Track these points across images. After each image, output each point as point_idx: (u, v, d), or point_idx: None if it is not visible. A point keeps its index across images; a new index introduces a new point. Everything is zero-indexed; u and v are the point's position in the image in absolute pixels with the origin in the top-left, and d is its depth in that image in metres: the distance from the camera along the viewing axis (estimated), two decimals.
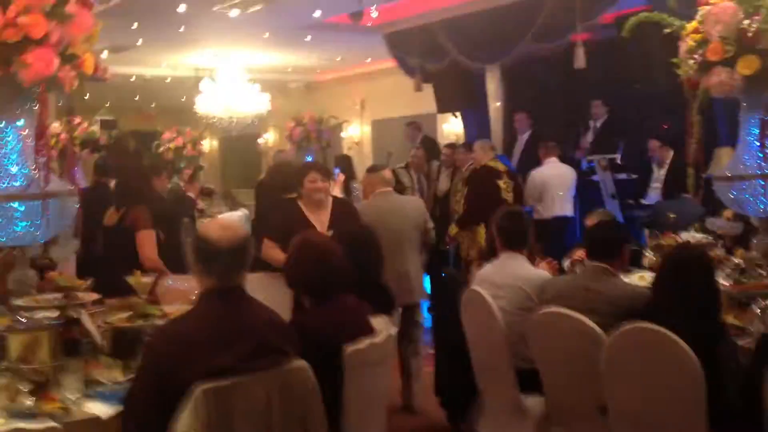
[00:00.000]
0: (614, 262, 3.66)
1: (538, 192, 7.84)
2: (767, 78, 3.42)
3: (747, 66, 3.37)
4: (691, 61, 3.57)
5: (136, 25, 8.67)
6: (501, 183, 6.97)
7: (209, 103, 10.62)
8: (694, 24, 3.63)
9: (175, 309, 3.33)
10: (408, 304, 5.24)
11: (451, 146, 9.43)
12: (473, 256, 6.68)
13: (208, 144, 14.87)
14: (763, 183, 3.56)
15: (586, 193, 8.44)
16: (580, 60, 7.22)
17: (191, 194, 8.41)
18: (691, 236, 4.74)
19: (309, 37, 9.82)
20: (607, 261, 3.63)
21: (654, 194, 7.77)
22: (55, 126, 9.24)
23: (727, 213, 4.49)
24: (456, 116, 10.37)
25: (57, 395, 2.74)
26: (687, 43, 3.62)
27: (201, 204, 9.04)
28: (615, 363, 3.08)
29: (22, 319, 3.08)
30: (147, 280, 3.65)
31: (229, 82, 10.61)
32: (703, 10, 3.59)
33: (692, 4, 3.73)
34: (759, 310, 3.48)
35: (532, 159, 8.23)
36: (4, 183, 3.11)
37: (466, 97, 9.28)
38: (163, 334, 2.66)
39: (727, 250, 4.44)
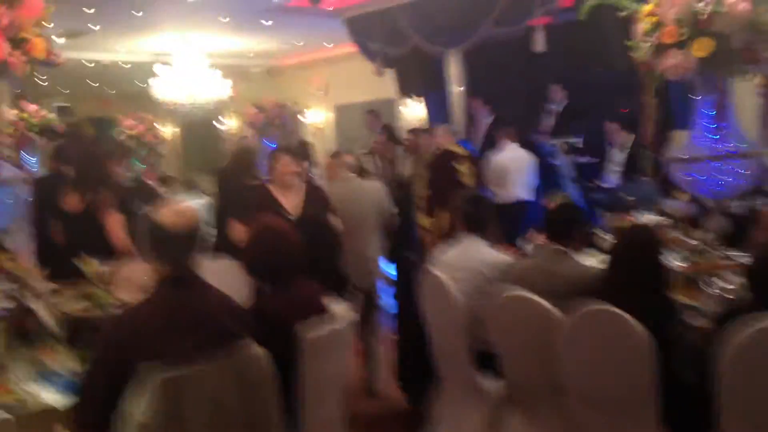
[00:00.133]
0: (572, 244, 3.69)
1: (498, 176, 7.87)
2: (721, 60, 3.46)
3: (701, 48, 3.40)
4: (647, 44, 3.60)
5: (92, 10, 8.51)
6: (462, 167, 6.99)
7: (169, 89, 10.47)
8: (649, 7, 3.65)
9: (132, 298, 3.29)
10: (367, 288, 5.26)
11: (413, 131, 9.43)
12: (433, 239, 6.70)
13: (169, 130, 14.71)
14: (716, 164, 3.62)
15: (546, 177, 8.49)
16: (539, 44, 7.25)
17: (150, 182, 8.30)
18: (649, 218, 4.79)
19: (269, 22, 9.72)
20: (565, 243, 3.66)
21: (613, 177, 7.85)
22: (12, 113, 9.07)
23: (683, 195, 4.54)
24: (416, 99, 10.35)
25: (10, 385, 2.70)
26: (642, 25, 3.64)
27: (163, 191, 8.94)
28: (571, 343, 3.11)
29: None
30: (100, 267, 3.60)
31: (188, 67, 10.46)
32: None
33: None
34: (712, 290, 3.54)
35: (493, 143, 8.25)
36: None
37: (428, 82, 9.27)
38: (116, 323, 2.62)
39: (682, 232, 4.49)
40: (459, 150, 7.19)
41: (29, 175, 3.82)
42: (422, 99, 10.12)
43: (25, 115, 9.36)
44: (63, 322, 3.22)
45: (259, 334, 2.75)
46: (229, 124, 14.53)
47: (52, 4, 3.20)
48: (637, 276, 3.12)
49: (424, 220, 7.07)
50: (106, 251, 4.27)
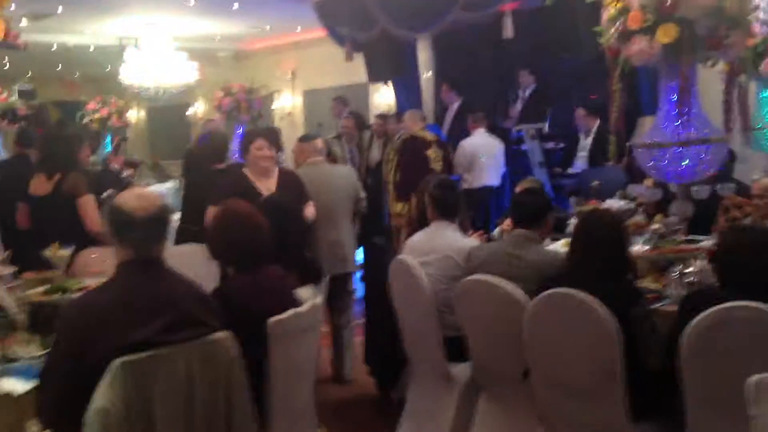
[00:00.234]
0: (538, 229, 3.71)
1: (468, 161, 7.90)
2: (685, 47, 3.48)
3: (665, 34, 3.43)
4: (613, 30, 3.61)
5: None
6: (430, 153, 6.99)
7: (135, 73, 10.34)
8: None
9: (94, 282, 3.25)
10: (340, 274, 5.25)
11: (382, 116, 9.42)
12: (402, 224, 6.70)
13: (135, 114, 14.54)
14: (680, 150, 3.65)
15: (515, 163, 8.54)
16: (508, 29, 7.26)
17: (116, 166, 8.21)
18: (615, 203, 4.83)
19: (236, 5, 9.62)
20: (531, 228, 3.68)
21: (581, 163, 7.90)
22: None
23: (648, 180, 4.58)
24: (387, 84, 10.32)
25: None
26: (608, 11, 3.66)
27: (129, 175, 8.85)
28: (535, 328, 3.13)
29: None
30: (64, 252, 3.55)
31: (155, 51, 10.34)
32: None
33: None
34: (676, 274, 3.58)
35: (461, 128, 8.26)
36: None
37: (397, 67, 9.25)
38: (77, 307, 2.58)
39: (647, 216, 4.53)
40: (427, 135, 7.18)
41: None
42: (391, 84, 10.09)
43: None
44: (24, 307, 3.18)
45: (224, 320, 2.73)
46: (197, 108, 14.40)
47: None
48: (598, 260, 3.14)
49: (392, 205, 7.06)
50: (76, 235, 4.20)
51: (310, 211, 4.83)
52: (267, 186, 4.71)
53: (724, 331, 2.67)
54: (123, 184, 6.93)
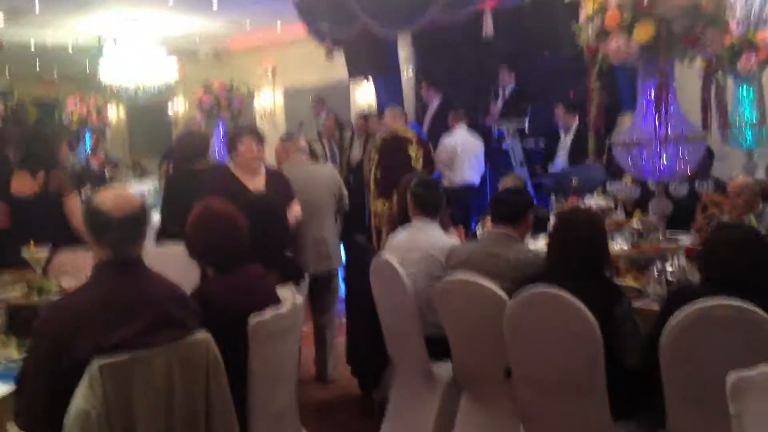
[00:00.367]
0: (518, 228, 3.72)
1: (449, 158, 7.91)
2: (662, 45, 3.50)
3: (643, 33, 3.45)
4: (591, 28, 3.63)
5: None
6: (411, 150, 7.01)
7: (114, 71, 10.26)
8: None
9: (72, 284, 3.23)
10: (324, 272, 5.24)
11: (363, 115, 9.43)
12: (383, 222, 6.71)
13: (115, 113, 14.43)
14: (658, 148, 3.67)
15: (495, 161, 8.56)
16: (488, 28, 7.24)
17: (95, 164, 8.15)
18: (594, 201, 4.86)
19: (215, 3, 9.57)
20: (511, 226, 3.69)
21: (561, 160, 7.93)
22: None
23: (627, 178, 4.61)
24: (368, 80, 10.31)
25: None
26: (586, 10, 3.67)
27: (108, 175, 8.80)
28: (516, 327, 3.13)
29: None
30: (41, 253, 3.52)
31: (134, 49, 10.26)
32: None
33: None
34: (656, 272, 3.60)
35: (441, 126, 8.27)
36: None
37: (378, 65, 9.24)
38: (55, 309, 2.56)
39: (627, 214, 4.56)
40: (408, 133, 7.19)
41: None
42: (372, 82, 10.08)
43: None
44: (1, 310, 3.15)
45: (204, 320, 2.71)
46: (177, 106, 14.32)
47: None
48: (577, 258, 3.15)
49: (373, 203, 7.06)
50: (62, 234, 4.16)
51: (296, 211, 4.82)
52: (255, 185, 4.70)
53: (703, 328, 2.69)
54: (104, 183, 6.89)
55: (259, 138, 4.82)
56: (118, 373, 2.39)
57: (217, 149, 9.90)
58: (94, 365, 2.34)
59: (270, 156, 5.39)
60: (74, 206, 4.48)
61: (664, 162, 3.77)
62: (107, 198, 2.59)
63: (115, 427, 2.39)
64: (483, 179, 8.37)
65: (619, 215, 4.49)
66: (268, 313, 2.92)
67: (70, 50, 11.67)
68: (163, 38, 10.87)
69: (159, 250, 4.53)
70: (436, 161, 7.64)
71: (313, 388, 5.19)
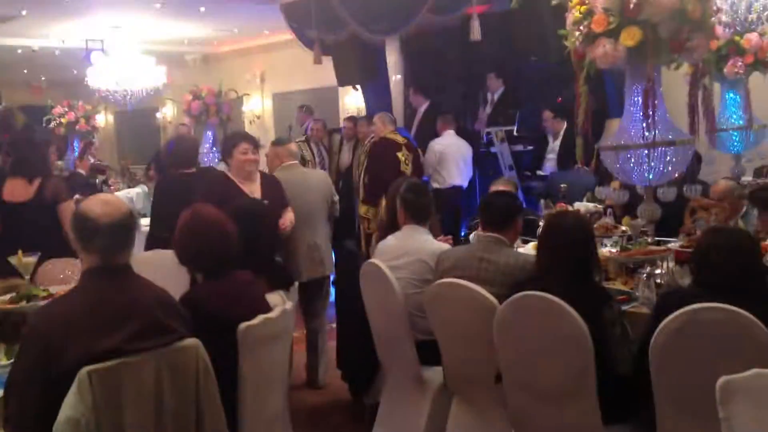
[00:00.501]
0: (508, 233, 3.72)
1: (437, 161, 7.92)
2: (649, 49, 3.52)
3: (629, 37, 3.46)
4: (578, 33, 3.64)
5: None
6: (400, 155, 7.02)
7: (102, 77, 10.22)
8: None
9: (60, 289, 3.21)
10: (317, 277, 5.23)
11: (352, 119, 9.43)
12: (374, 228, 6.70)
13: (103, 119, 14.38)
14: (646, 152, 3.68)
15: (485, 165, 8.58)
16: (476, 32, 7.27)
17: (81, 171, 8.11)
18: (583, 206, 4.87)
19: (203, 8, 9.57)
20: (500, 231, 3.69)
21: (549, 165, 7.94)
22: None
23: (614, 183, 4.63)
24: (356, 89, 10.32)
25: None
26: (573, 14, 3.68)
27: (98, 181, 8.76)
28: (506, 331, 3.14)
29: None
30: (30, 260, 3.50)
31: (122, 54, 10.23)
32: None
33: None
34: (645, 276, 3.61)
35: (429, 131, 8.28)
36: None
37: (366, 70, 9.24)
38: (43, 315, 2.55)
39: (615, 219, 4.58)
40: (398, 138, 7.21)
41: None
42: (360, 87, 10.09)
43: None
44: None
45: (194, 326, 2.71)
46: (166, 112, 14.28)
47: None
48: (565, 262, 3.15)
49: (361, 208, 7.07)
50: (54, 241, 4.14)
51: (289, 217, 4.81)
52: (251, 189, 4.70)
53: (692, 332, 2.69)
54: (95, 189, 6.85)
55: (255, 144, 4.83)
56: (107, 379, 2.38)
57: (206, 155, 9.88)
58: (83, 372, 2.33)
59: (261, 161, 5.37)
60: (69, 213, 4.46)
61: (652, 166, 3.77)
62: (95, 204, 2.58)
63: None
64: (472, 184, 8.37)
65: (608, 220, 4.51)
66: (258, 319, 2.92)
67: (57, 55, 11.63)
68: (151, 43, 10.86)
69: (147, 256, 4.52)
70: (425, 165, 7.66)
71: (304, 394, 5.18)
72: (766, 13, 5.66)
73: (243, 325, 2.86)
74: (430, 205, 4.32)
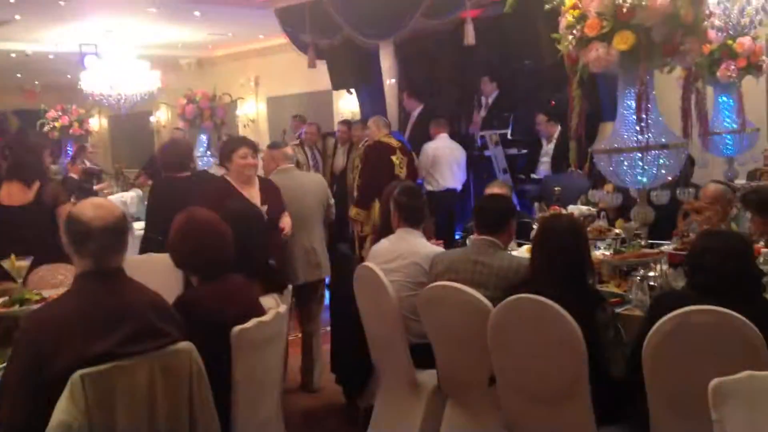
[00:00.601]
0: (501, 236, 3.73)
1: (431, 164, 7.93)
2: (642, 53, 3.53)
3: (622, 41, 3.46)
4: (571, 37, 3.64)
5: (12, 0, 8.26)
6: (395, 159, 7.03)
7: (96, 81, 10.21)
8: (573, 0, 3.70)
9: (53, 293, 3.21)
10: (314, 281, 5.23)
11: (346, 123, 9.44)
12: (368, 231, 6.71)
13: (97, 122, 14.37)
14: (639, 155, 3.69)
15: (479, 168, 8.59)
16: (470, 37, 7.29)
17: (73, 175, 8.10)
18: (577, 209, 4.87)
19: (198, 13, 9.57)
20: (494, 234, 3.70)
21: (543, 168, 7.96)
22: None
23: (608, 186, 4.63)
24: (351, 93, 10.34)
25: None
26: (566, 18, 3.69)
27: (95, 186, 8.75)
28: (500, 334, 3.14)
29: None
30: (22, 263, 3.50)
31: (116, 58, 10.22)
32: None
33: None
34: (638, 279, 3.62)
35: (422, 135, 8.29)
36: None
37: (361, 74, 9.25)
38: (36, 319, 2.54)
39: (609, 222, 4.58)
40: (392, 141, 7.21)
41: None
42: (355, 91, 10.10)
43: None
44: None
45: (187, 329, 2.70)
46: (160, 116, 14.28)
47: None
48: (559, 265, 3.16)
49: (351, 210, 7.07)
50: (50, 244, 4.12)
51: (287, 222, 4.81)
52: (251, 194, 4.71)
53: (685, 335, 2.70)
54: (90, 193, 6.84)
55: (255, 148, 4.84)
56: (99, 383, 2.37)
57: (200, 158, 9.88)
58: (76, 376, 2.33)
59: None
60: None
61: (645, 169, 3.78)
62: (87, 208, 2.57)
63: None
64: (467, 187, 8.38)
65: (602, 223, 4.51)
66: (251, 322, 2.91)
67: (51, 59, 11.62)
68: (146, 47, 10.85)
69: (140, 259, 4.51)
70: (418, 167, 7.67)
71: (299, 397, 5.17)
72: (758, 17, 5.69)
73: (236, 328, 2.85)
74: (424, 208, 4.33)
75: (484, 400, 3.44)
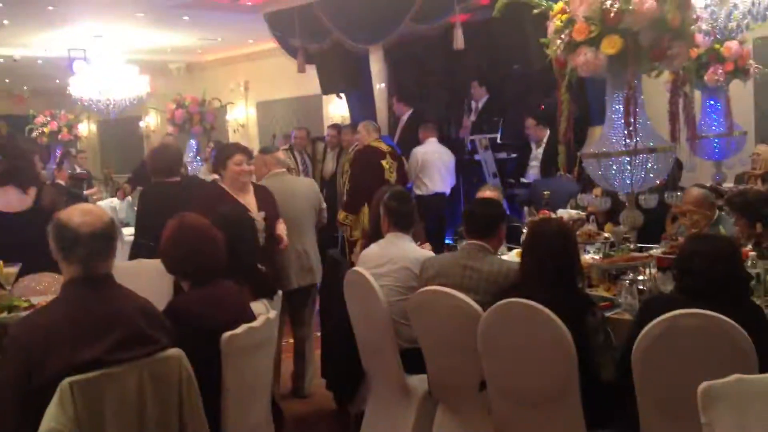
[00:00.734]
0: (491, 240, 3.73)
1: (419, 168, 7.93)
2: (629, 57, 3.54)
3: (610, 45, 3.48)
4: (559, 41, 3.66)
5: (1, 4, 8.22)
6: (385, 163, 7.03)
7: (84, 86, 10.18)
8: (561, 4, 3.72)
9: (42, 300, 3.19)
10: (307, 285, 5.22)
11: (336, 127, 9.45)
12: (357, 236, 6.70)
13: (86, 128, 14.33)
14: (628, 159, 3.71)
15: (469, 172, 8.60)
16: (459, 41, 7.31)
17: (60, 181, 8.06)
18: (566, 213, 4.88)
19: (186, 17, 9.56)
20: (484, 239, 3.70)
21: (533, 172, 7.97)
22: None
23: (597, 190, 4.65)
24: (341, 97, 10.35)
25: None
26: (555, 23, 3.70)
27: (93, 190, 8.72)
28: (490, 339, 3.14)
29: None
30: (11, 270, 3.48)
31: (104, 63, 10.19)
32: None
33: None
34: (627, 283, 3.63)
35: (411, 139, 8.30)
36: None
37: (350, 78, 9.26)
38: (25, 326, 2.53)
39: (598, 226, 4.59)
40: (382, 146, 7.22)
41: None
42: (345, 96, 10.11)
43: None
44: None
45: (177, 335, 2.70)
46: (149, 121, 14.24)
47: None
48: (548, 269, 3.16)
49: (340, 214, 7.06)
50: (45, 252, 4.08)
51: (282, 229, 4.80)
52: (246, 201, 4.69)
53: (674, 338, 2.71)
54: (80, 199, 6.79)
55: (249, 155, 4.84)
56: (88, 390, 2.37)
57: (189, 163, 9.87)
58: (65, 383, 2.32)
59: None
60: None
61: (633, 173, 3.80)
62: (75, 214, 2.56)
63: None
64: (457, 191, 8.39)
65: (591, 226, 4.52)
66: (241, 328, 2.91)
67: (39, 64, 11.59)
68: (134, 52, 10.83)
69: (129, 265, 4.49)
70: (408, 171, 7.67)
71: (289, 403, 5.15)
72: (745, 21, 5.73)
73: (226, 334, 2.84)
74: (414, 212, 4.33)
75: (474, 404, 3.44)
